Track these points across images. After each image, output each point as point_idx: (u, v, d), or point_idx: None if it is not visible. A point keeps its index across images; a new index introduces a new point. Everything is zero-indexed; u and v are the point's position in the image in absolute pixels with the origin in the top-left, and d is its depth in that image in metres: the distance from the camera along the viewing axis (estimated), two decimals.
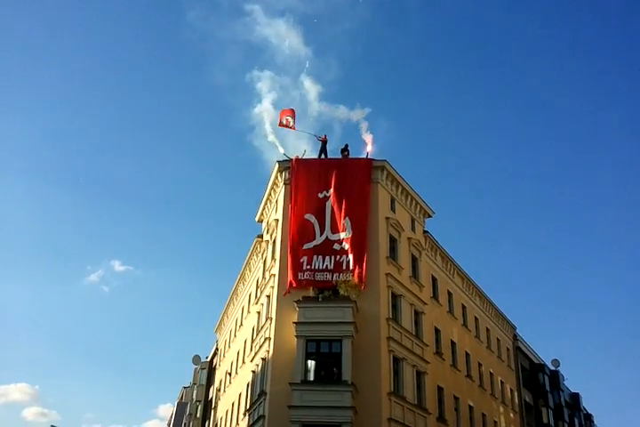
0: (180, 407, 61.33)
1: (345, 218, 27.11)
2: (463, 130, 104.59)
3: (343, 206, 27.40)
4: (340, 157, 29.96)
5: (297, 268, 26.42)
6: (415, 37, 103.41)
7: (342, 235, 26.81)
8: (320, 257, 26.47)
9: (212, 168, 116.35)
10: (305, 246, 26.82)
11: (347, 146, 30.16)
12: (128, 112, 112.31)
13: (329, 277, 26.00)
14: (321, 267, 26.28)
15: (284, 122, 30.53)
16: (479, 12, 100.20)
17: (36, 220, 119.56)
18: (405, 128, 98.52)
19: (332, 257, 26.39)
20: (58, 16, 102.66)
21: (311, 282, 26.10)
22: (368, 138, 30.58)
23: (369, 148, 30.15)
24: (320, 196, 27.86)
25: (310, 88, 36.32)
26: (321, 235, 27.02)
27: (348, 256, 26.26)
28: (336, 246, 26.64)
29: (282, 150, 30.58)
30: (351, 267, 25.93)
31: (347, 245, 26.53)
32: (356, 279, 25.52)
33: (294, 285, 26.13)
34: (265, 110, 34.17)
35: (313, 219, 27.40)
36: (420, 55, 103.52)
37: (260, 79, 39.66)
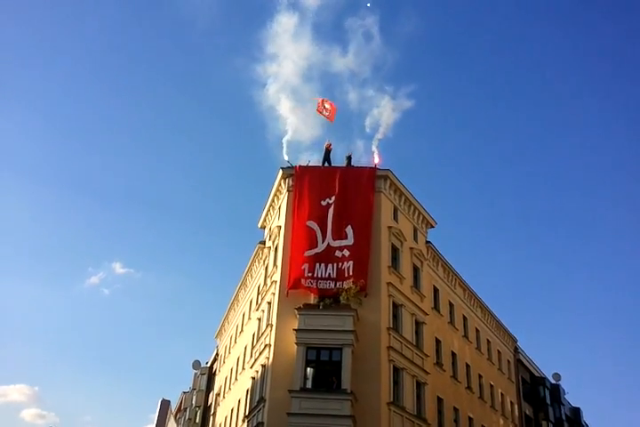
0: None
1: (347, 226, 27.17)
2: (468, 139, 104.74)
3: (345, 214, 27.47)
4: (344, 165, 30.08)
5: (298, 273, 26.45)
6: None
7: (344, 242, 26.85)
8: (322, 265, 26.45)
9: (216, 172, 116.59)
10: (307, 253, 26.82)
11: (350, 155, 30.41)
12: (130, 112, 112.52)
13: (331, 285, 25.99)
14: (324, 275, 26.27)
15: (324, 111, 30.59)
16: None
17: (38, 221, 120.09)
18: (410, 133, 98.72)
19: (335, 265, 26.38)
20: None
21: (314, 290, 26.11)
22: (375, 150, 30.77)
23: (376, 159, 30.28)
24: (323, 203, 27.91)
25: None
26: (323, 242, 27.03)
27: (349, 263, 26.29)
28: (337, 253, 26.65)
29: (286, 157, 30.72)
30: (352, 274, 25.96)
31: (348, 253, 26.57)
32: (357, 288, 25.51)
33: (295, 287, 26.18)
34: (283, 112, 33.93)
35: (315, 226, 27.41)
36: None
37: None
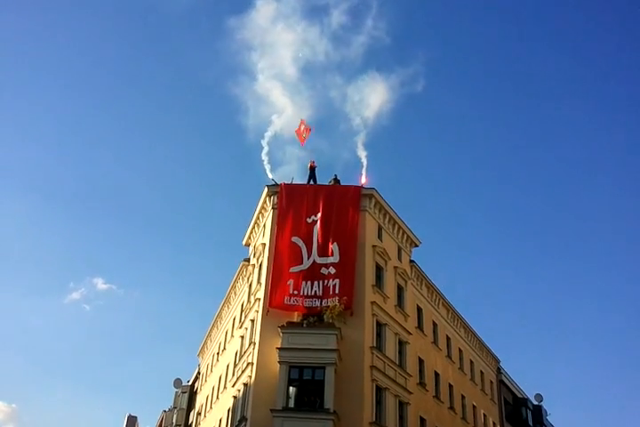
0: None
1: (333, 243, 27.19)
2: (454, 157, 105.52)
3: (331, 231, 27.50)
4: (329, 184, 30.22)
5: (283, 291, 26.36)
6: None
7: (330, 259, 26.83)
8: (309, 283, 26.37)
9: (202, 189, 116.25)
10: (292, 269, 26.77)
11: (336, 176, 30.52)
12: (113, 124, 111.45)
13: (317, 303, 25.94)
14: (309, 293, 26.19)
15: (303, 132, 30.88)
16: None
17: (19, 235, 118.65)
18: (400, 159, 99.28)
19: (321, 282, 26.30)
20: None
21: (299, 308, 26.00)
22: (363, 170, 31.01)
23: (363, 179, 30.46)
24: (308, 220, 27.92)
25: None
26: (308, 258, 26.99)
27: (335, 281, 26.24)
28: (323, 270, 26.59)
29: (270, 176, 30.83)
30: (337, 292, 25.92)
31: (334, 270, 26.53)
32: (342, 306, 25.46)
33: (278, 305, 26.08)
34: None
35: (300, 242, 27.39)
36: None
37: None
